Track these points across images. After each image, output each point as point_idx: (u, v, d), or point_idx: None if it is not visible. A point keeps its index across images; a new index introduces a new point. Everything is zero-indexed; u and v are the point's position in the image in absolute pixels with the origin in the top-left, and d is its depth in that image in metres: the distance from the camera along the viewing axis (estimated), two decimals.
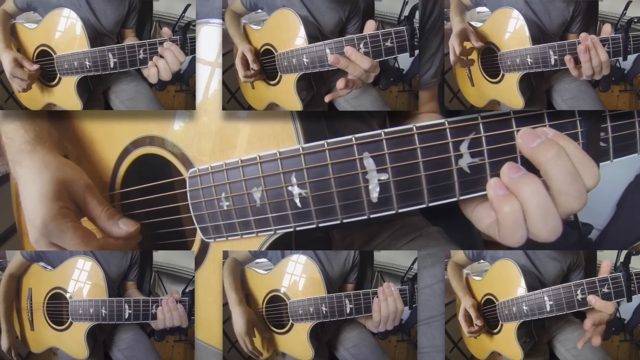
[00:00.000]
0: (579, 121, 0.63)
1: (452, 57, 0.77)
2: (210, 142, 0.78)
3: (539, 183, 0.60)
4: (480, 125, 0.63)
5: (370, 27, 0.75)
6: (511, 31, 0.75)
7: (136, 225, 0.82)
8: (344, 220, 0.69)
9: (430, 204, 0.65)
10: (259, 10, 0.78)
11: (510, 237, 0.63)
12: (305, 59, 0.76)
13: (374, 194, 0.66)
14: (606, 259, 0.77)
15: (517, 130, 0.62)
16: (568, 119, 0.63)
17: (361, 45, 0.73)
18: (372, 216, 0.67)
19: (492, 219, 0.66)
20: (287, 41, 0.77)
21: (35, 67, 0.81)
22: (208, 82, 0.79)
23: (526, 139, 0.61)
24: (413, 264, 0.79)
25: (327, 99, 0.78)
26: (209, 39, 0.79)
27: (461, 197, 0.64)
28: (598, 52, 0.72)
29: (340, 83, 0.76)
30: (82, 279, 0.82)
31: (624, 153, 0.65)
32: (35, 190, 0.78)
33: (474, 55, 0.78)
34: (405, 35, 0.74)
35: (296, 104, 0.78)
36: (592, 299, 0.76)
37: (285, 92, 0.79)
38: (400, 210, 0.66)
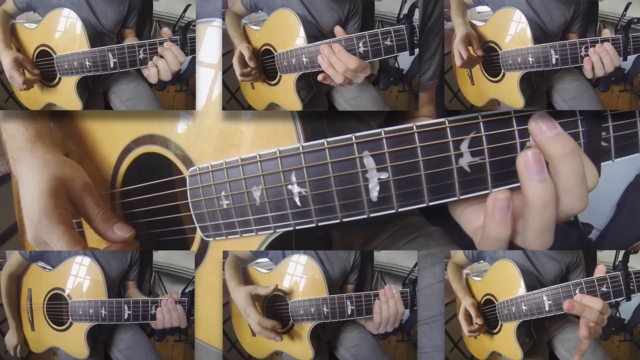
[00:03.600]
0: (581, 120, 0.63)
1: (458, 62, 0.77)
2: (211, 141, 0.78)
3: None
4: (481, 124, 0.63)
5: (339, 32, 0.75)
6: (513, 31, 0.76)
7: (131, 232, 0.80)
8: (344, 220, 0.69)
9: (431, 203, 0.65)
10: (260, 11, 0.78)
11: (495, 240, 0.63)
12: (304, 59, 0.76)
13: (374, 193, 0.66)
14: (601, 264, 0.76)
15: (518, 130, 0.62)
16: (569, 118, 0.63)
17: (360, 44, 0.73)
18: (372, 215, 0.67)
19: (480, 222, 0.66)
20: (287, 41, 0.77)
21: (37, 72, 0.81)
22: (212, 86, 0.79)
23: (542, 126, 0.59)
24: (415, 267, 0.79)
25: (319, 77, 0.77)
26: (210, 40, 0.79)
27: (461, 197, 0.64)
28: (613, 59, 0.72)
29: (319, 76, 0.76)
30: (81, 278, 0.82)
31: (626, 153, 0.65)
32: (33, 188, 0.78)
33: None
34: (405, 33, 0.74)
35: (296, 104, 0.78)
36: (578, 297, 0.75)
37: (285, 92, 0.79)
38: (400, 210, 0.66)
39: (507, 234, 0.61)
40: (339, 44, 0.73)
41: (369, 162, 0.65)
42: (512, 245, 0.64)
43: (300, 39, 0.76)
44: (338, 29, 0.75)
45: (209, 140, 0.78)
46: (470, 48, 0.77)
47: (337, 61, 0.74)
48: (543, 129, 0.59)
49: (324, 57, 0.74)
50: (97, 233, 0.81)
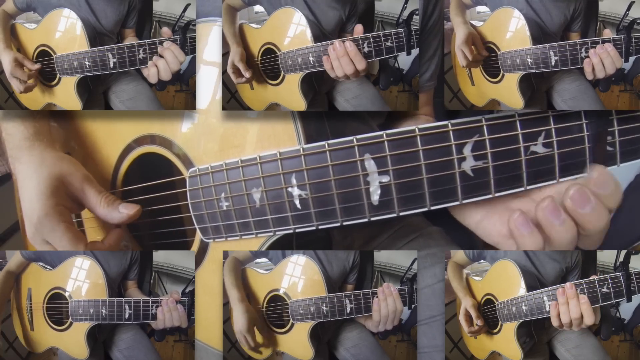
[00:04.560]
0: (586, 124, 0.63)
1: (463, 62, 0.77)
2: (210, 142, 0.78)
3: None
4: (484, 128, 0.62)
5: (358, 30, 0.74)
6: (512, 31, 0.75)
7: (136, 208, 0.81)
8: (344, 223, 0.69)
9: (432, 208, 0.65)
10: (258, 6, 0.77)
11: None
12: (311, 58, 0.75)
13: (375, 197, 0.66)
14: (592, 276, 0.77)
15: (522, 133, 0.62)
16: (574, 122, 0.63)
17: (365, 45, 0.73)
18: (372, 219, 0.67)
19: (502, 231, 0.66)
20: (291, 40, 0.76)
21: (36, 66, 0.81)
22: (216, 85, 0.78)
23: (578, 202, 0.61)
24: (412, 264, 0.79)
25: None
26: (214, 39, 0.79)
27: (464, 201, 0.64)
28: (614, 60, 0.72)
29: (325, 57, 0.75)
30: (82, 278, 0.82)
31: (632, 157, 0.64)
32: (32, 187, 0.78)
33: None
34: (403, 37, 0.73)
35: (300, 104, 0.78)
36: (583, 298, 0.76)
37: (289, 92, 0.78)
38: (401, 214, 0.66)
39: (541, 242, 0.63)
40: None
41: (370, 165, 0.65)
42: None
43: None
44: (359, 28, 0.74)
45: (212, 141, 0.77)
46: (473, 48, 0.77)
47: (348, 62, 0.73)
48: (577, 206, 0.61)
49: (334, 51, 0.73)
50: (104, 219, 0.82)
